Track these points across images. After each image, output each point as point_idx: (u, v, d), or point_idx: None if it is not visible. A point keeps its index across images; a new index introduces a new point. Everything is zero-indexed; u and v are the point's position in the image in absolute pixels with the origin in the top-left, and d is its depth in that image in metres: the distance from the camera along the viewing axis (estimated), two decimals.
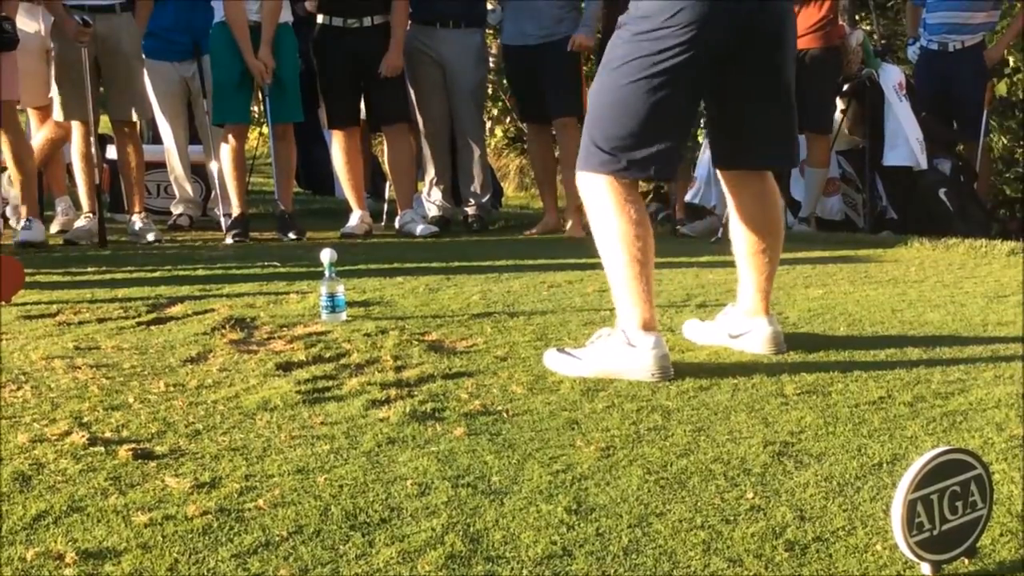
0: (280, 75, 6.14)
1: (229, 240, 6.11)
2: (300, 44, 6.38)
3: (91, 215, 6.01)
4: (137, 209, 6.10)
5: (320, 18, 6.36)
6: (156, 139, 7.08)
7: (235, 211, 6.28)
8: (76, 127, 5.98)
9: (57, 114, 6.00)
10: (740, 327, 3.39)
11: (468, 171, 6.75)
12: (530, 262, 5.18)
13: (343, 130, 6.48)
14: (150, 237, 5.95)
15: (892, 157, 6.62)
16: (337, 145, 6.53)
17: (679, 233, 6.66)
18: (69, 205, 6.50)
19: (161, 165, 6.84)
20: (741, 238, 3.38)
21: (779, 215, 3.45)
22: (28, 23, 5.99)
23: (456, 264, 5.10)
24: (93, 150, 5.93)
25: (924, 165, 6.63)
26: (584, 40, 6.27)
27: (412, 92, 6.56)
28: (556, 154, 7.04)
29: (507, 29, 6.60)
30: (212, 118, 6.41)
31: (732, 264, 3.51)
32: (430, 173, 6.83)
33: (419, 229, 6.36)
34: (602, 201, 3.13)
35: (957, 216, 6.59)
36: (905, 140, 6.53)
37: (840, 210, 7.09)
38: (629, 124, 3.10)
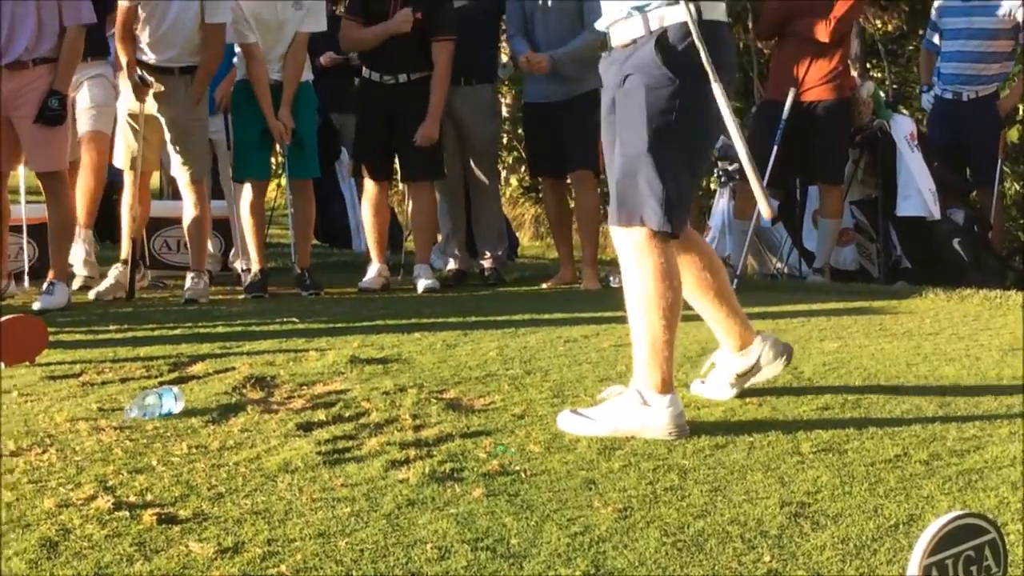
0: (299, 132, 6.22)
1: (248, 297, 6.16)
2: (318, 99, 6.47)
3: (123, 266, 6.10)
4: (194, 266, 6.18)
5: (363, 69, 6.48)
6: (176, 194, 7.15)
7: (254, 266, 6.34)
8: (127, 175, 6.12)
9: (117, 160, 6.17)
10: (742, 364, 3.42)
11: (483, 224, 6.81)
12: (546, 316, 5.21)
13: (373, 182, 6.55)
14: (201, 300, 6.00)
15: (905, 207, 6.66)
16: (366, 197, 6.58)
17: None
18: (91, 260, 6.56)
19: (180, 221, 6.90)
20: (690, 288, 3.38)
21: (707, 248, 3.47)
22: None
23: (473, 319, 5.14)
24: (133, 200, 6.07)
25: (937, 215, 6.67)
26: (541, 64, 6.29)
27: None
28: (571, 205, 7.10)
29: (529, 89, 6.68)
30: (233, 174, 6.50)
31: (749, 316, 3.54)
32: (446, 227, 6.89)
33: (420, 286, 6.39)
34: (645, 260, 3.12)
35: (972, 266, 6.62)
36: (917, 190, 6.58)
37: (855, 260, 7.12)
38: (694, 180, 3.18)
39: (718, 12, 3.16)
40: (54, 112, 5.53)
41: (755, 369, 3.42)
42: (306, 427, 3.22)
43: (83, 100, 6.16)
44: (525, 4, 6.43)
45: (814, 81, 6.45)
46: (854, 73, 8.30)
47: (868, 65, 12.21)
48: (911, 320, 4.99)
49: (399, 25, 6.24)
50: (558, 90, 6.36)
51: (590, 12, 6.26)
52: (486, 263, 6.82)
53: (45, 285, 5.69)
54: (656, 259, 3.12)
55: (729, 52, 3.26)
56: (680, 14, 3.05)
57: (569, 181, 6.78)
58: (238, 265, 6.83)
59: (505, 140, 12.62)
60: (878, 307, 5.41)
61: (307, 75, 6.33)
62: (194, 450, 2.99)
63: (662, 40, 3.09)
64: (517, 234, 11.49)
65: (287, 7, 6.15)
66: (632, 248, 3.16)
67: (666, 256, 3.14)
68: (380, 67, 6.38)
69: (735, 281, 6.04)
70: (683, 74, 3.06)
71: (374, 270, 6.53)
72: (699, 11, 3.07)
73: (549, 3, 6.35)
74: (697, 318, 3.51)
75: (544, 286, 6.62)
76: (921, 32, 11.59)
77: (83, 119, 6.21)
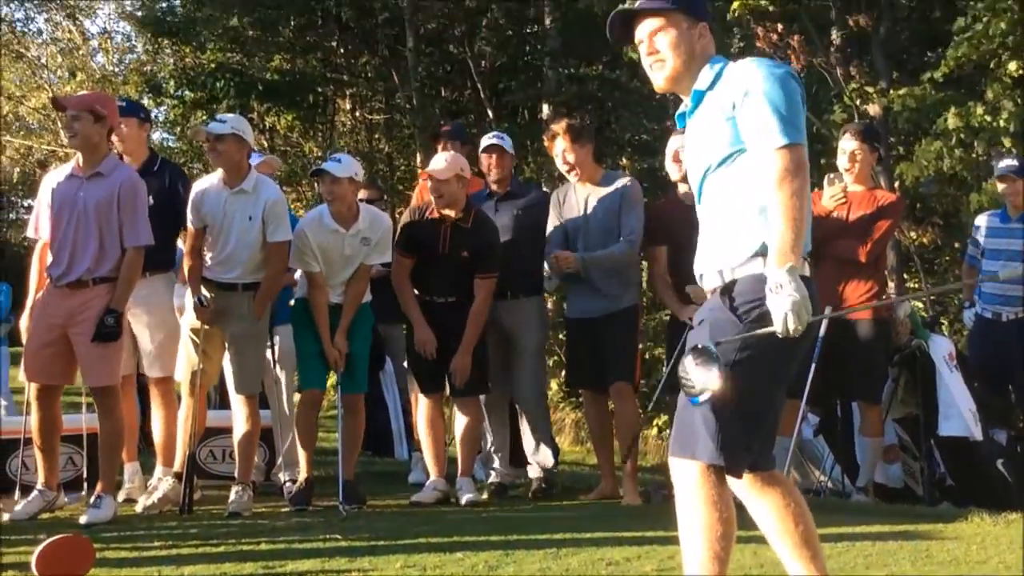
0: (352, 352, 6.38)
1: (292, 510, 6.20)
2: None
3: (173, 479, 6.18)
4: (240, 479, 6.24)
5: (415, 290, 6.65)
6: (223, 404, 7.28)
7: (301, 476, 6.39)
8: (184, 387, 6.29)
9: (177, 373, 6.33)
10: None
11: (531, 435, 6.83)
12: (588, 535, 5.19)
13: (428, 396, 6.64)
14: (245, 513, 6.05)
15: (946, 427, 6.64)
16: (421, 412, 6.67)
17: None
18: (136, 471, 6.64)
19: (227, 431, 6.99)
20: (768, 531, 3.38)
21: (794, 493, 3.45)
22: None
23: (515, 537, 5.12)
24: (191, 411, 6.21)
25: (979, 436, 6.63)
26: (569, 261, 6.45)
27: None
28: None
29: (570, 305, 6.84)
30: (298, 384, 6.63)
31: None
32: (489, 440, 6.93)
33: (463, 499, 6.42)
34: (698, 492, 3.22)
35: (1017, 488, 6.55)
36: (959, 411, 6.58)
37: (901, 478, 7.07)
38: (757, 423, 3.26)
39: None
40: (110, 329, 5.70)
41: None
42: None
43: (145, 340, 6.32)
44: (567, 224, 6.66)
45: (851, 301, 6.51)
46: (891, 286, 8.42)
47: (905, 276, 12.37)
48: (957, 547, 4.92)
49: (420, 345, 6.50)
50: (597, 306, 6.50)
51: (627, 227, 6.49)
52: (532, 474, 6.82)
53: (92, 498, 5.77)
54: (708, 490, 3.22)
55: None
56: (750, 268, 3.25)
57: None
58: (281, 476, 6.89)
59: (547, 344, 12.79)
60: (923, 531, 5.34)
61: (366, 297, 6.53)
62: None
63: (729, 287, 3.31)
64: (557, 439, 11.49)
65: (355, 242, 6.35)
66: (685, 478, 3.26)
67: (719, 489, 3.22)
68: (429, 290, 6.60)
69: None
70: (746, 320, 3.22)
71: (431, 485, 6.55)
72: None
73: (590, 221, 6.56)
74: (744, 539, 3.50)
75: (586, 499, 6.60)
76: (957, 244, 11.84)
77: (147, 361, 6.37)
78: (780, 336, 3.10)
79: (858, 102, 11.12)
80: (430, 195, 6.60)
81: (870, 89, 11.06)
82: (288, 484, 6.70)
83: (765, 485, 3.34)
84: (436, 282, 6.55)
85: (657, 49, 3.47)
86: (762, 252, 3.26)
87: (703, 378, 3.13)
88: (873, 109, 11.16)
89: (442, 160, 6.54)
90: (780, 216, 3.15)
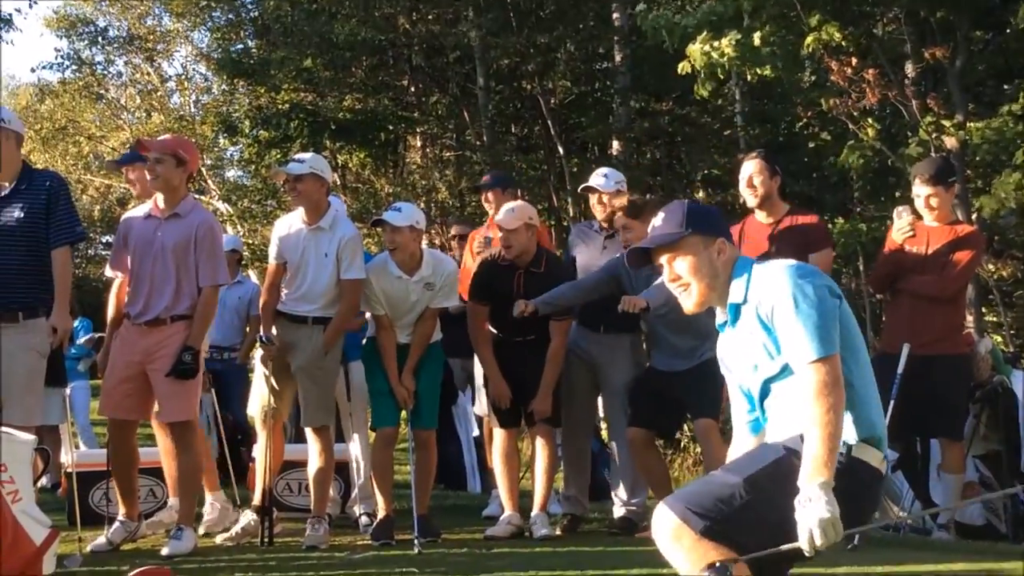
0: (421, 390, 6.42)
1: (373, 542, 6.23)
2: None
3: (254, 513, 6.29)
4: (315, 512, 6.32)
5: (492, 331, 6.67)
6: (299, 438, 7.34)
7: (381, 512, 6.42)
8: (258, 423, 6.42)
9: (251, 409, 6.57)
10: None
11: (619, 470, 6.75)
12: (668, 571, 5.12)
13: (504, 430, 6.65)
14: (321, 547, 6.11)
15: None
16: (497, 445, 6.69)
17: None
18: (224, 502, 6.67)
19: (303, 464, 7.06)
20: None
21: None
22: None
23: (591, 572, 5.09)
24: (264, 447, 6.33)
25: None
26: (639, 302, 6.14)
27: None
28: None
29: (656, 359, 6.69)
30: (371, 422, 6.74)
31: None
32: (564, 471, 6.90)
33: (538, 533, 6.41)
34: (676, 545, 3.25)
35: None
36: None
37: (981, 515, 6.93)
38: (745, 527, 3.23)
39: (868, 455, 3.32)
40: (187, 366, 5.81)
41: None
42: None
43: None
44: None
45: (930, 336, 6.36)
46: (970, 319, 8.27)
47: (983, 309, 12.17)
48: None
49: (496, 399, 6.56)
50: (680, 363, 6.36)
51: None
52: (618, 509, 6.73)
53: (173, 530, 5.86)
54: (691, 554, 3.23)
55: (866, 497, 3.36)
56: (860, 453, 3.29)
57: (683, 435, 6.75)
58: (357, 509, 6.93)
59: None
60: (1008, 570, 5.23)
61: (436, 336, 6.57)
62: None
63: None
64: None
65: (418, 288, 6.38)
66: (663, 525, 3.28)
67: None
68: (505, 331, 6.61)
69: (857, 537, 5.87)
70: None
71: (506, 519, 6.54)
72: (849, 448, 3.29)
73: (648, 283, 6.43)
74: None
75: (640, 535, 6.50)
76: None
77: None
78: (807, 554, 3.09)
79: (934, 135, 10.98)
80: (475, 249, 6.67)
81: (946, 122, 10.91)
82: (364, 517, 6.74)
83: None
84: (511, 321, 6.55)
85: (679, 275, 3.50)
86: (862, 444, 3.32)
87: None
88: (949, 142, 11.02)
89: (510, 210, 6.53)
90: (816, 431, 3.16)
